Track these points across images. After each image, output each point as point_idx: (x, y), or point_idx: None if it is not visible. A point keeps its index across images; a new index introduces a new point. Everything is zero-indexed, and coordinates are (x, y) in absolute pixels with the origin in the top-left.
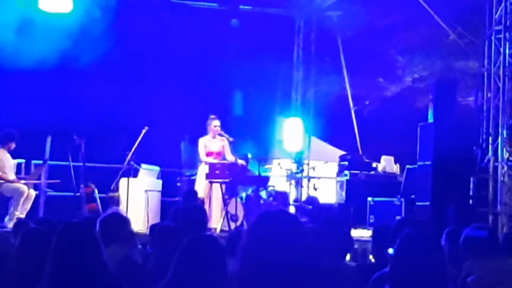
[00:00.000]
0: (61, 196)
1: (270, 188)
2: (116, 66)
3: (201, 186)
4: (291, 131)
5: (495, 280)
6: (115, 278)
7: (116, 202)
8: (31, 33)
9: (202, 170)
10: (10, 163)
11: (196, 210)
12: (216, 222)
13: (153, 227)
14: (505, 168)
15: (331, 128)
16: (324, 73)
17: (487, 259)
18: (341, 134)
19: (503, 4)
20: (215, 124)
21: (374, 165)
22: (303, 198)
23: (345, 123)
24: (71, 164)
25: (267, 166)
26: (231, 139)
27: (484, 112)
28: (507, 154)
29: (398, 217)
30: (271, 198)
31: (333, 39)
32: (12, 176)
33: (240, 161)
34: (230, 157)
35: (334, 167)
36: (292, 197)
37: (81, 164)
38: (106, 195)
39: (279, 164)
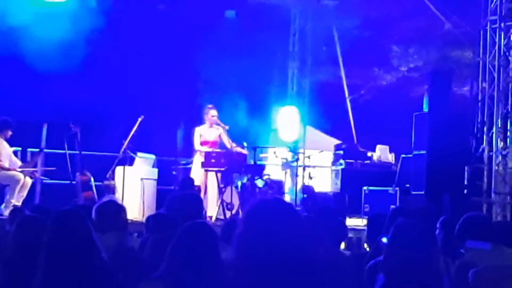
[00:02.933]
0: (57, 184)
1: (265, 177)
2: (112, 54)
3: (196, 174)
4: (287, 120)
5: (500, 274)
6: (109, 265)
7: (112, 190)
8: (26, 22)
9: (198, 159)
10: (7, 151)
11: (192, 198)
12: (212, 210)
13: (149, 218)
14: (500, 157)
15: (326, 117)
16: (320, 62)
17: (486, 250)
18: (336, 123)
19: None
20: (212, 114)
21: (369, 154)
22: (298, 187)
23: (340, 113)
24: (67, 152)
25: (262, 155)
26: (226, 127)
27: (479, 102)
28: (502, 143)
29: (392, 206)
30: (266, 187)
31: (329, 29)
32: (8, 164)
33: (240, 149)
34: (229, 145)
35: (329, 156)
36: (287, 185)
37: (77, 152)
38: (102, 183)
39: (274, 152)
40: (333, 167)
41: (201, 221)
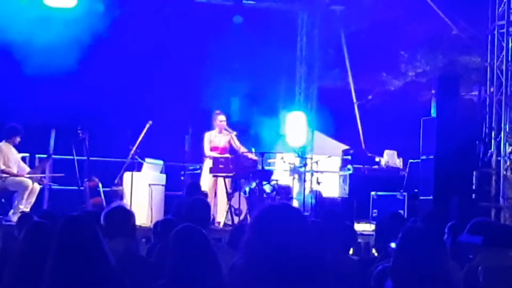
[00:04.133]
0: (65, 190)
1: (273, 182)
2: (120, 60)
3: (206, 180)
4: (294, 125)
5: (506, 274)
6: (117, 271)
7: (120, 196)
8: (35, 28)
9: (208, 164)
10: (15, 157)
11: (199, 203)
12: (221, 216)
13: (156, 223)
14: (508, 162)
15: (334, 122)
16: (328, 67)
17: (491, 253)
18: (344, 128)
19: None
20: (220, 119)
21: (377, 159)
22: (306, 192)
23: (348, 118)
24: (75, 158)
25: (270, 160)
26: (234, 133)
27: (487, 107)
28: (510, 148)
29: (401, 211)
30: (274, 192)
31: (337, 34)
32: (16, 170)
33: (251, 155)
34: (242, 149)
35: (337, 161)
36: (295, 191)
37: (85, 158)
38: (110, 189)
39: (282, 158)
40: (341, 172)
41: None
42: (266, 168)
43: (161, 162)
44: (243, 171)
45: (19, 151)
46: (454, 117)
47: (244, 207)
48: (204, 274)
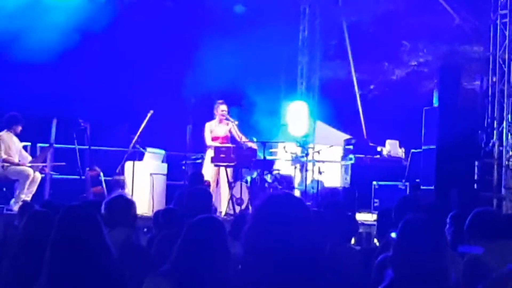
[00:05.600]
0: (66, 179)
1: (275, 172)
2: (122, 50)
3: (208, 170)
4: (296, 115)
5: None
6: (117, 261)
7: (121, 185)
8: (35, 17)
9: (209, 154)
10: (16, 146)
11: (200, 193)
12: (223, 205)
13: (157, 213)
14: (510, 152)
15: (336, 112)
16: (329, 57)
17: (492, 245)
18: (346, 118)
19: None
20: (222, 108)
21: (379, 149)
22: (308, 182)
23: (350, 107)
24: (77, 147)
25: (272, 150)
26: (236, 122)
27: (489, 97)
28: None
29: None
30: (276, 182)
31: (338, 24)
32: (17, 159)
33: (251, 144)
34: (243, 139)
35: (339, 151)
36: (296, 180)
37: (86, 147)
38: (111, 178)
39: (284, 147)
40: (343, 162)
41: (209, 216)
42: (268, 157)
43: (162, 151)
44: (244, 160)
45: (21, 140)
46: (456, 107)
47: (245, 197)
48: (214, 268)
